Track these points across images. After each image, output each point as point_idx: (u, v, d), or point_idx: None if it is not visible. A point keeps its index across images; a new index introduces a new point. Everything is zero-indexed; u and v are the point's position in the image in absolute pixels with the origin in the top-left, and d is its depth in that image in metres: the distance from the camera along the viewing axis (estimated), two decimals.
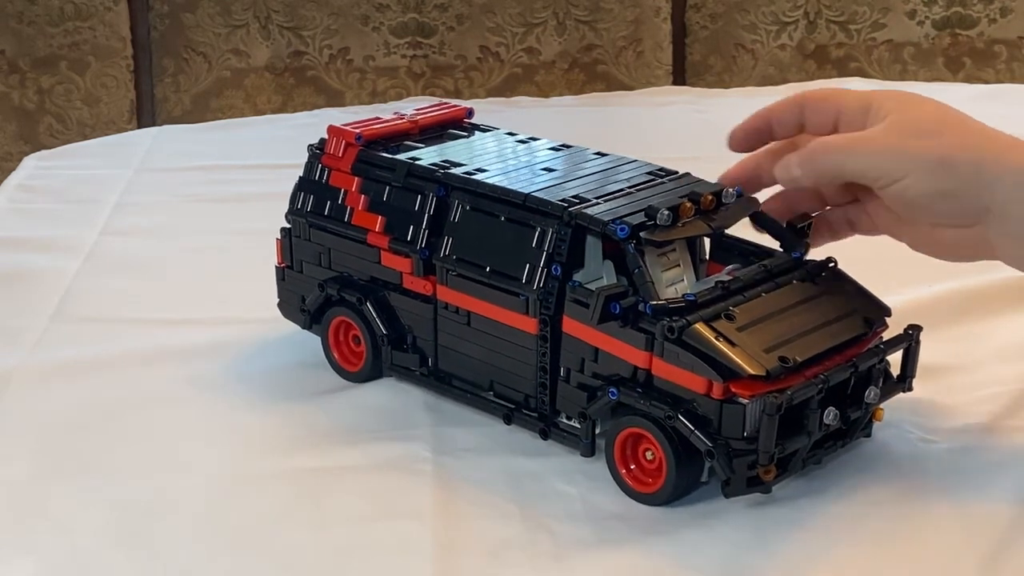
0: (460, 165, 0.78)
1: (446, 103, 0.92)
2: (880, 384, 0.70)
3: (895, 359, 0.72)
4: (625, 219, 0.70)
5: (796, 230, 0.75)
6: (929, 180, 0.70)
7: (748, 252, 0.76)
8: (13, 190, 1.21)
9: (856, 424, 0.71)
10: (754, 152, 0.79)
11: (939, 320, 0.85)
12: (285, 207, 0.85)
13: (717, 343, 0.65)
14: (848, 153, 0.72)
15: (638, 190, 0.74)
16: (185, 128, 1.50)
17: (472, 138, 0.85)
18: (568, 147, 0.83)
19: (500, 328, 0.74)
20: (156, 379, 0.83)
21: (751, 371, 0.65)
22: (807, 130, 0.76)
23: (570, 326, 0.71)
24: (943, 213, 0.71)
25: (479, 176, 0.76)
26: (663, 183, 0.76)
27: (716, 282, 0.70)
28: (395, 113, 0.87)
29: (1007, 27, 2.33)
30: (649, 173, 0.77)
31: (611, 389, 0.69)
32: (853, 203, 0.78)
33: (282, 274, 0.86)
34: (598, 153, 0.81)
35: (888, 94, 0.73)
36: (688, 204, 0.71)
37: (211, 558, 0.65)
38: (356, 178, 0.81)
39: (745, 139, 0.78)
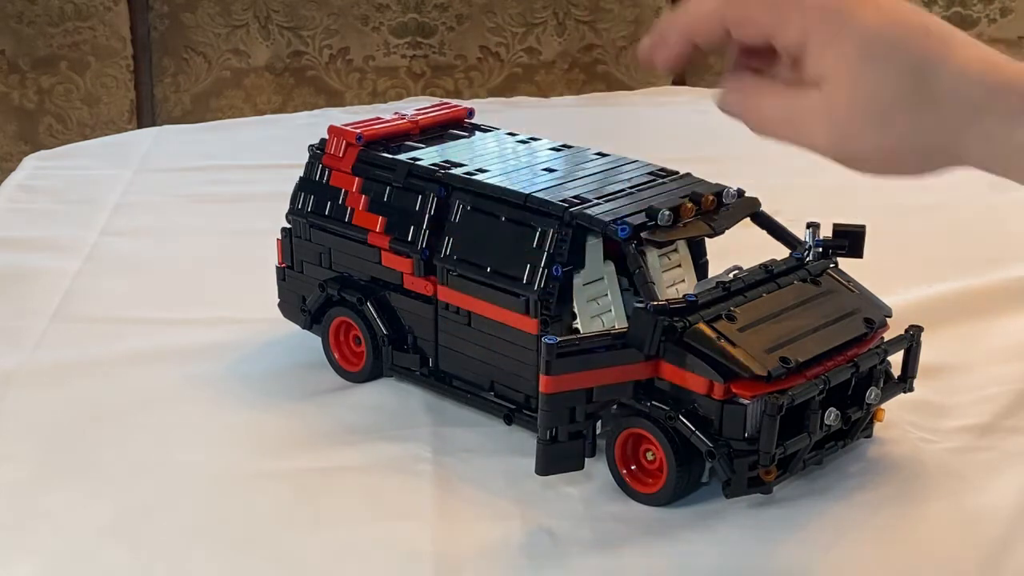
0: (461, 165, 0.78)
1: (446, 103, 0.92)
2: (881, 385, 0.70)
3: (896, 359, 0.72)
4: (626, 219, 0.69)
5: (848, 241, 0.73)
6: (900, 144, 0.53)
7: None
8: (13, 190, 1.21)
9: (857, 424, 0.71)
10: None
11: (939, 320, 0.85)
12: (285, 207, 0.85)
13: (718, 343, 0.65)
14: (795, 139, 0.56)
15: (639, 190, 0.74)
16: (185, 128, 1.50)
17: (472, 138, 0.85)
18: (568, 147, 0.83)
19: (501, 328, 0.74)
20: (156, 379, 0.83)
21: (752, 371, 0.64)
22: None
23: None
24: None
25: (480, 176, 0.76)
26: (664, 183, 0.76)
27: (717, 283, 0.70)
28: (396, 113, 0.87)
29: (1007, 27, 2.32)
30: (650, 173, 0.77)
31: None
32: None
33: (282, 274, 0.86)
34: (599, 153, 0.81)
35: (825, 40, 0.54)
36: (689, 204, 0.71)
37: (211, 558, 0.65)
38: (357, 178, 0.81)
39: (668, 63, 0.60)
